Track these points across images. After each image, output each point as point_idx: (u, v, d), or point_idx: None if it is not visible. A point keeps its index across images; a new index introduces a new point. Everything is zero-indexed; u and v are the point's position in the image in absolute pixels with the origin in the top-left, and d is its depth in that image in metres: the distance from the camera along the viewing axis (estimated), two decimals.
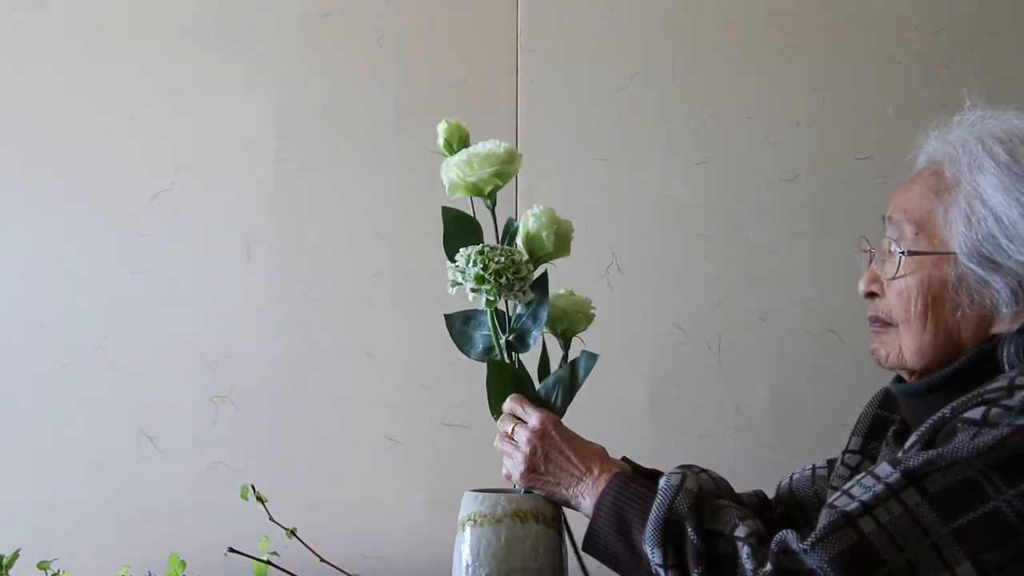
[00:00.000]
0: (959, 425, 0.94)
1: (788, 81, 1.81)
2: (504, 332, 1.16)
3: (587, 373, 1.17)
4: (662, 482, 1.04)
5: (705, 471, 1.29)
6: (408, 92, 1.77)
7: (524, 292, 1.12)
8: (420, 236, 1.75)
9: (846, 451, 1.22)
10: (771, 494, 1.31)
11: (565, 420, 1.17)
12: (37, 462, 1.70)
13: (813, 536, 0.91)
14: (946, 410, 0.97)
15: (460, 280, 1.11)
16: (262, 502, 1.37)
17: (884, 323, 1.10)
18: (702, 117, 1.79)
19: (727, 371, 1.76)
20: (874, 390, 1.25)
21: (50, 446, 1.70)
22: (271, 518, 1.36)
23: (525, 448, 1.12)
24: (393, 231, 1.75)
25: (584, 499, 1.10)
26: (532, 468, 1.12)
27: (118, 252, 1.73)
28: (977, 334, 1.04)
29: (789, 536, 0.93)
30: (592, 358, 1.16)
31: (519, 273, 1.11)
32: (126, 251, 1.73)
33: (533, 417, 1.14)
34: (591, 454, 1.13)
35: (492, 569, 1.10)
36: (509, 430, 1.15)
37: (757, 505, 1.27)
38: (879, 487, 0.92)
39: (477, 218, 1.17)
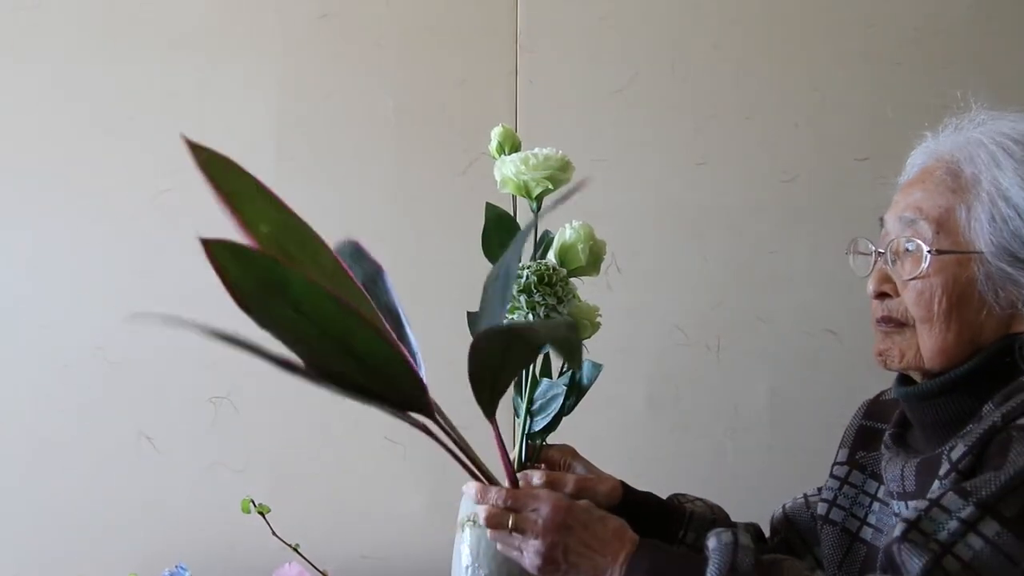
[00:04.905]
0: (1014, 434, 0.92)
1: (787, 82, 1.81)
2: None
3: (591, 382, 1.16)
4: (712, 542, 1.00)
5: (700, 499, 1.27)
6: (408, 92, 1.77)
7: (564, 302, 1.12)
8: (420, 236, 1.75)
9: (834, 463, 1.21)
10: (771, 492, 1.31)
11: (566, 422, 1.17)
12: (36, 462, 1.70)
13: None
14: (996, 417, 0.95)
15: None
16: (263, 516, 1.37)
17: (899, 323, 1.07)
18: (702, 117, 1.79)
19: (726, 372, 1.77)
20: (873, 390, 1.25)
21: (49, 446, 1.70)
22: (274, 533, 1.37)
23: (541, 546, 1.03)
24: (393, 231, 1.75)
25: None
26: (551, 562, 1.03)
27: (118, 252, 1.73)
28: (998, 332, 1.03)
29: None
30: (597, 368, 1.16)
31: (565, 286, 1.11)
32: (126, 251, 1.73)
33: (545, 506, 1.05)
34: (612, 535, 1.04)
35: (491, 569, 1.10)
36: (508, 524, 1.06)
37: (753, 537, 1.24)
38: (953, 523, 0.89)
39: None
